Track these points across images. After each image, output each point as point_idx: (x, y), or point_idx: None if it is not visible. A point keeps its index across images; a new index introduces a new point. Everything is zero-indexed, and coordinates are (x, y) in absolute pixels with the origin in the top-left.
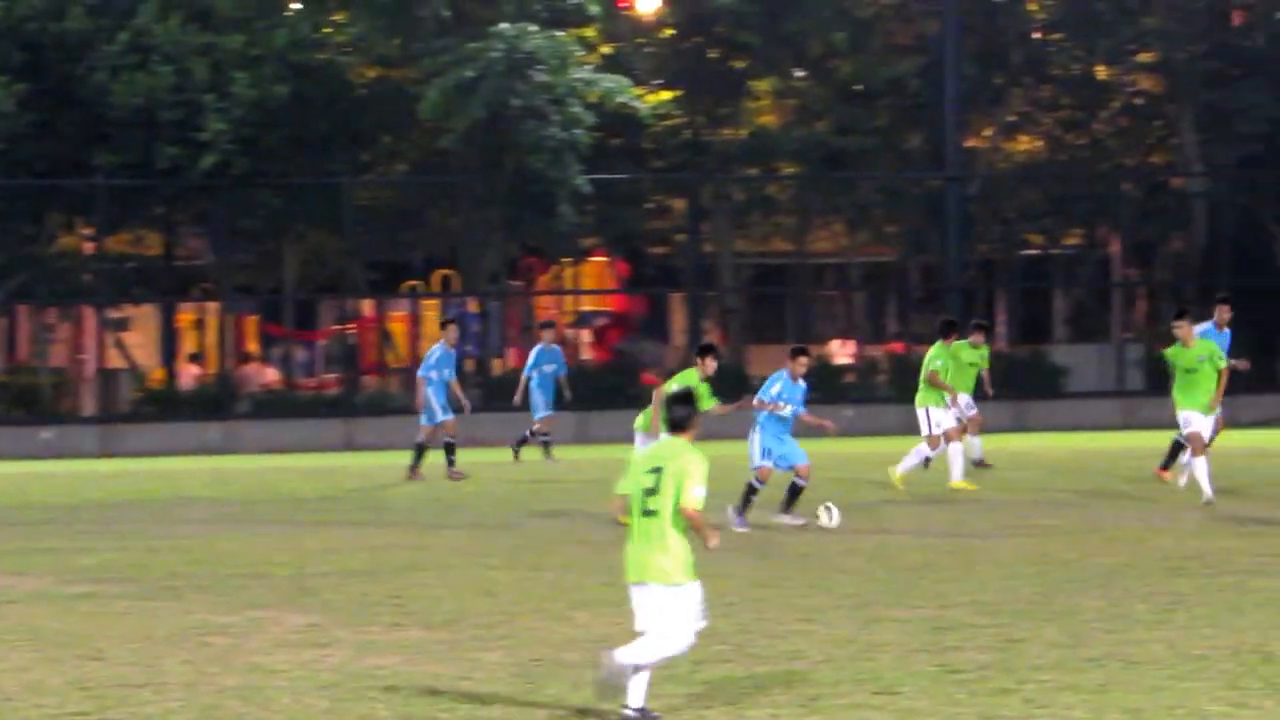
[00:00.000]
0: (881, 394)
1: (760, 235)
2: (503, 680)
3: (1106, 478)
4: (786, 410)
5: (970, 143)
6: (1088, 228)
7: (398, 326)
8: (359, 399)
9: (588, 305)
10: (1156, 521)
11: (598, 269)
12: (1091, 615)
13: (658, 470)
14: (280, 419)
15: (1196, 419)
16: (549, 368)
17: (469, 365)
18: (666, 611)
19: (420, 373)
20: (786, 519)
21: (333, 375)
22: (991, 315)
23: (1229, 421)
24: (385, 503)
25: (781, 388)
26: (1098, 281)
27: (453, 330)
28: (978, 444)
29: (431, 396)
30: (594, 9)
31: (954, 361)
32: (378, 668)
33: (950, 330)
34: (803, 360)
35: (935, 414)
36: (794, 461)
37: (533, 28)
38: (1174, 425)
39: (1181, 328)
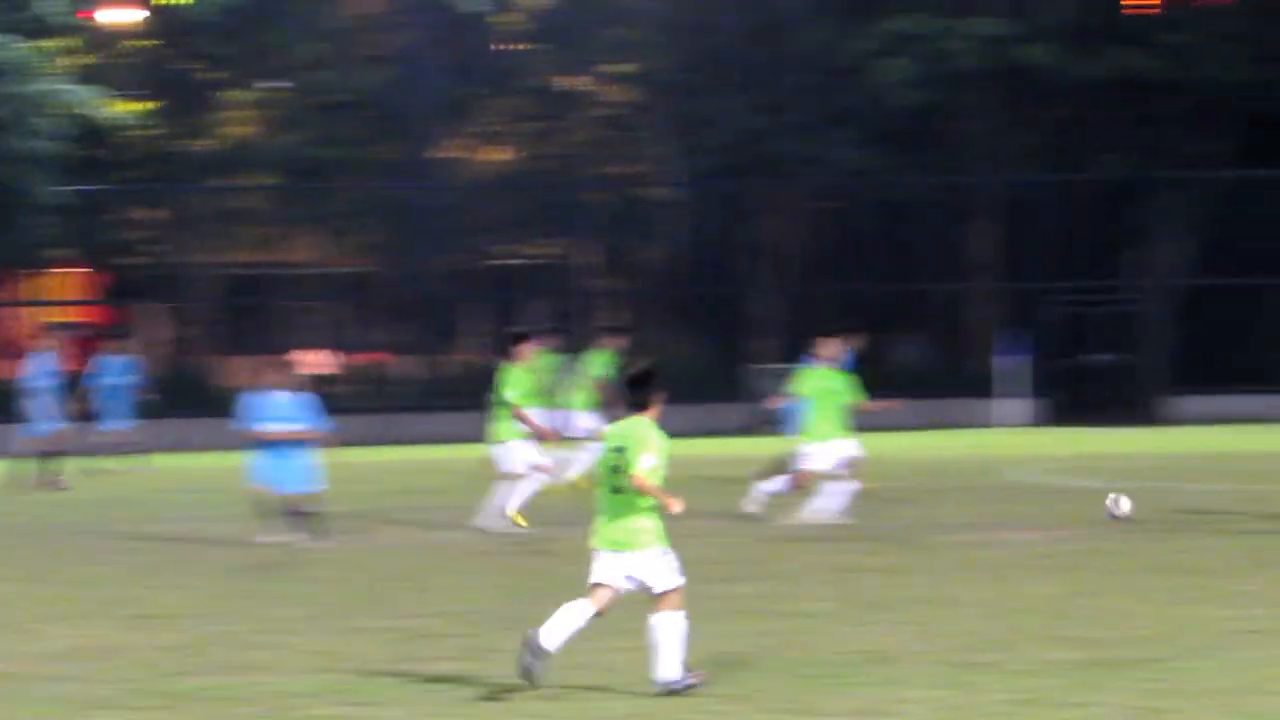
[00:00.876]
0: (363, 404)
1: (237, 245)
2: None
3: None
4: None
5: (443, 153)
6: (561, 238)
7: None
8: None
9: (60, 317)
10: None
11: (71, 280)
12: None
13: (621, 449)
14: None
15: (838, 446)
16: (121, 379)
17: None
18: (650, 571)
19: (36, 383)
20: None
21: None
22: (452, 324)
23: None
24: None
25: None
26: (570, 291)
27: (54, 339)
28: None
29: (41, 406)
30: (61, 19)
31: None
32: None
33: (610, 335)
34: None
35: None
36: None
37: (2, 38)
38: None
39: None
